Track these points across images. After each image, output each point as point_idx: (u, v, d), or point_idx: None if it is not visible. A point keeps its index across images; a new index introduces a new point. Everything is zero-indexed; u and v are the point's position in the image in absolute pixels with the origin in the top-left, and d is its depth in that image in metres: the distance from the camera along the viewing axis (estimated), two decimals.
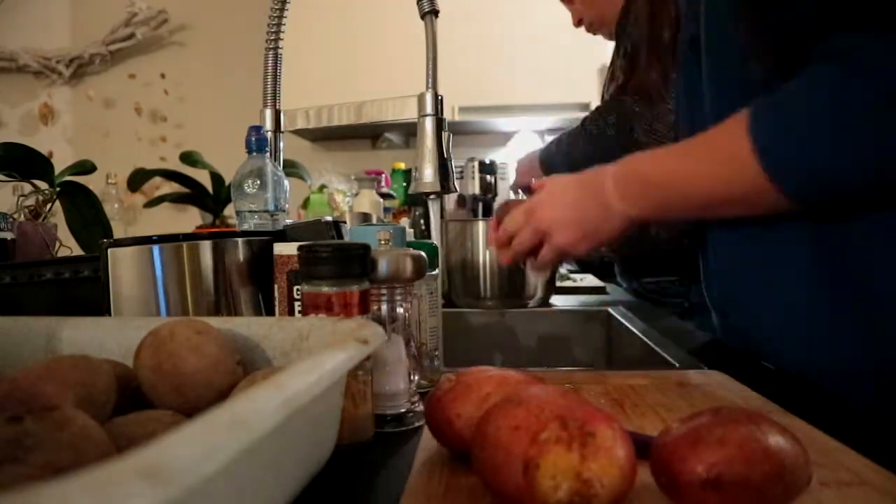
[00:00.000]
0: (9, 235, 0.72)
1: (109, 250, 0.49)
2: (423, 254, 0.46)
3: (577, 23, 1.37)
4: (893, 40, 0.45)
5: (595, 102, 2.05)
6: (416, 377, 0.45)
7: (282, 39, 0.86)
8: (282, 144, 0.88)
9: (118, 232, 1.43)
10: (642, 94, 1.14)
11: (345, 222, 0.59)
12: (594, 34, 1.39)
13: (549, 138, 1.60)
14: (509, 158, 2.16)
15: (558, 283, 1.25)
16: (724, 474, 0.26)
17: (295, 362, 0.25)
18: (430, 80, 0.76)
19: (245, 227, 0.68)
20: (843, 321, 0.52)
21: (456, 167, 1.93)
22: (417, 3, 0.76)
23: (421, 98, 0.77)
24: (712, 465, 0.26)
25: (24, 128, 2.71)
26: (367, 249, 0.39)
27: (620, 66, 1.22)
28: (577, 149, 1.24)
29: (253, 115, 0.84)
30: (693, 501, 0.27)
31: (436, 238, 0.82)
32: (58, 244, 1.01)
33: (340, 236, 0.53)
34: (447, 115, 0.80)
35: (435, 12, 0.76)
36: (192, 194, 1.20)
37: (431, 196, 0.76)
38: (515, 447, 0.27)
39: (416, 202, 1.61)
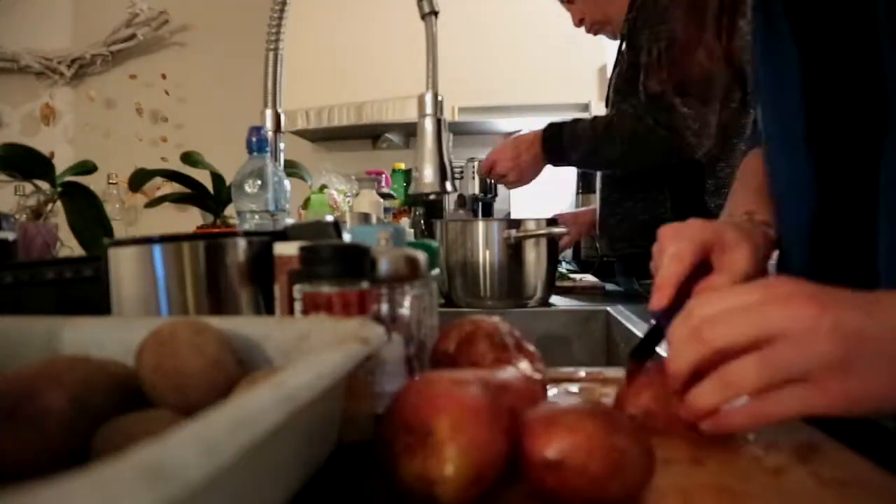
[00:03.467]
0: (10, 235, 0.72)
1: (110, 250, 0.49)
2: (423, 254, 0.46)
3: (578, 22, 1.36)
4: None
5: (595, 102, 2.05)
6: (416, 377, 0.45)
7: (282, 40, 0.86)
8: (282, 145, 0.88)
9: (119, 232, 1.43)
10: (689, 90, 1.08)
11: (345, 222, 0.59)
12: (595, 34, 1.37)
13: None
14: None
15: (558, 283, 1.25)
16: (566, 459, 0.27)
17: (295, 362, 0.25)
18: (430, 80, 0.77)
19: (246, 227, 0.69)
20: None
21: (456, 167, 1.93)
22: (418, 4, 0.76)
23: (421, 98, 0.77)
24: (558, 449, 0.27)
25: (25, 128, 2.71)
26: (367, 249, 0.39)
27: (650, 62, 1.14)
28: (607, 148, 1.15)
29: (253, 116, 0.84)
30: (534, 477, 0.28)
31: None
32: (59, 244, 1.02)
33: (341, 236, 0.53)
34: (447, 116, 0.80)
35: (435, 13, 0.76)
36: (193, 194, 1.20)
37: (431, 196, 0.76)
38: (387, 457, 0.30)
39: (416, 202, 1.61)
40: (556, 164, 1.25)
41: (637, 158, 1.16)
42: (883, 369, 0.31)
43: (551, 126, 1.23)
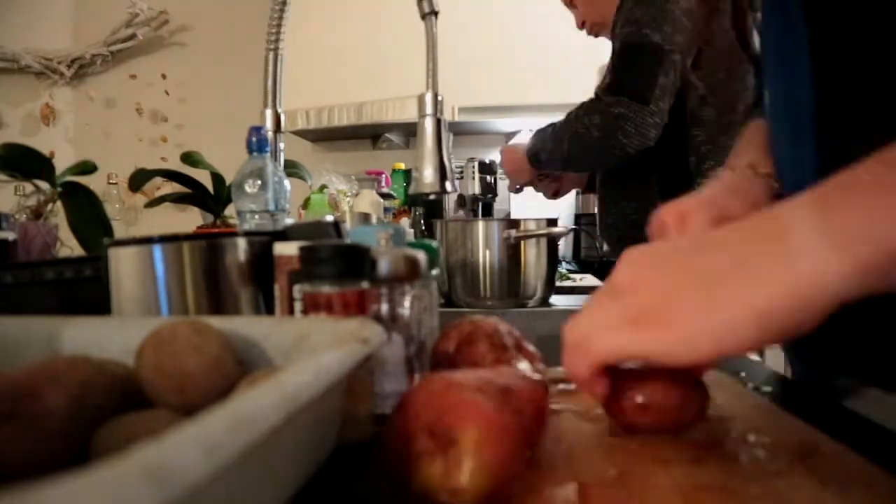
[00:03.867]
0: (10, 235, 0.73)
1: (111, 250, 0.49)
2: (422, 254, 0.46)
3: (581, 25, 1.37)
4: None
5: None
6: (416, 377, 0.45)
7: (282, 40, 0.86)
8: (282, 145, 0.88)
9: (119, 232, 1.43)
10: (629, 95, 1.12)
11: (345, 222, 0.59)
12: (596, 36, 1.38)
13: None
14: None
15: (558, 283, 1.25)
16: (651, 401, 0.38)
17: (295, 362, 0.25)
18: (430, 80, 0.77)
19: (246, 227, 0.69)
20: None
21: (456, 167, 1.93)
22: (418, 5, 0.76)
23: (421, 98, 0.77)
24: (643, 395, 0.38)
25: (25, 128, 2.71)
26: (367, 249, 0.39)
27: (608, 65, 1.19)
28: (560, 149, 1.20)
29: (253, 116, 0.84)
30: (631, 418, 0.39)
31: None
32: (59, 244, 1.02)
33: (341, 236, 0.53)
34: (447, 116, 0.80)
35: (435, 13, 0.76)
36: (193, 194, 1.20)
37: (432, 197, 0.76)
38: (402, 456, 0.29)
39: (416, 202, 1.61)
40: (537, 168, 1.29)
41: (580, 159, 1.19)
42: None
43: (537, 130, 1.28)
